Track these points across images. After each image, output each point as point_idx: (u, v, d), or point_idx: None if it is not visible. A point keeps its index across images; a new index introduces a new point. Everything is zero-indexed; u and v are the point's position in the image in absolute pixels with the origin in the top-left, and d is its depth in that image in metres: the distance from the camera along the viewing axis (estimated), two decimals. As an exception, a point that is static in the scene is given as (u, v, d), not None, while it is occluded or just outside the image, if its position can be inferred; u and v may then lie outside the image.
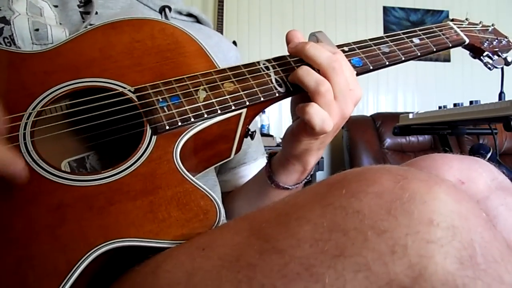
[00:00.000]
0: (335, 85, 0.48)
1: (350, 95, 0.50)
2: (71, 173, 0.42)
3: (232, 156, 0.56)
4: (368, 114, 2.90)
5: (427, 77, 3.22)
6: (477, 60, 0.75)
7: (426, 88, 3.21)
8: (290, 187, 0.59)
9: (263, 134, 2.65)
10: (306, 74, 0.49)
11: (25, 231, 0.37)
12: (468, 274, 0.26)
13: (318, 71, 0.49)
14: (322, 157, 2.53)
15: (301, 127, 0.51)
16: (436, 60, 3.21)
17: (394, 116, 2.10)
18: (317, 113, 0.47)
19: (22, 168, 0.39)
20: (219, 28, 2.81)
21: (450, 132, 1.48)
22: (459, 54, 3.09)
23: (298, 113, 0.50)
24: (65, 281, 0.35)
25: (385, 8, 3.18)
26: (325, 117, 0.48)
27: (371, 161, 2.55)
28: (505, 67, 0.78)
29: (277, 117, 2.99)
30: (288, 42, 0.54)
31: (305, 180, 0.60)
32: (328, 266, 0.28)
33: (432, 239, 0.27)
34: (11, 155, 0.38)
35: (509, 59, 0.73)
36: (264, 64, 0.54)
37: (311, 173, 0.59)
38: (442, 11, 3.24)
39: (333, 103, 0.48)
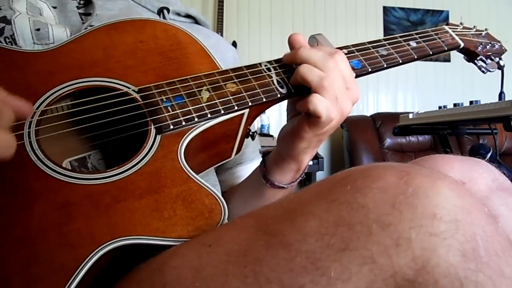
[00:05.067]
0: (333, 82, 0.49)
1: (348, 94, 0.50)
2: (77, 172, 0.42)
3: (233, 156, 0.57)
4: (368, 114, 2.90)
5: (427, 77, 3.22)
6: (476, 61, 0.76)
7: (426, 88, 3.21)
8: (285, 185, 0.59)
9: (263, 134, 2.65)
10: (308, 70, 0.49)
11: (32, 229, 0.38)
12: (471, 266, 0.26)
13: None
14: (322, 157, 2.53)
15: (304, 122, 0.51)
16: (436, 60, 3.21)
17: (394, 116, 2.11)
18: (321, 101, 0.48)
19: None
20: (219, 28, 2.82)
21: (450, 132, 1.48)
22: (459, 55, 3.07)
23: (300, 108, 0.50)
24: (72, 278, 0.36)
25: (385, 8, 3.18)
26: (329, 105, 0.48)
27: (371, 161, 2.55)
28: (505, 67, 0.79)
29: (277, 117, 2.99)
30: (290, 47, 0.54)
31: (300, 179, 0.60)
32: (333, 259, 0.28)
33: (435, 232, 0.27)
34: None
35: (501, 63, 0.75)
36: (265, 65, 0.54)
37: (305, 171, 0.60)
38: (442, 11, 3.24)
39: (335, 98, 0.49)
